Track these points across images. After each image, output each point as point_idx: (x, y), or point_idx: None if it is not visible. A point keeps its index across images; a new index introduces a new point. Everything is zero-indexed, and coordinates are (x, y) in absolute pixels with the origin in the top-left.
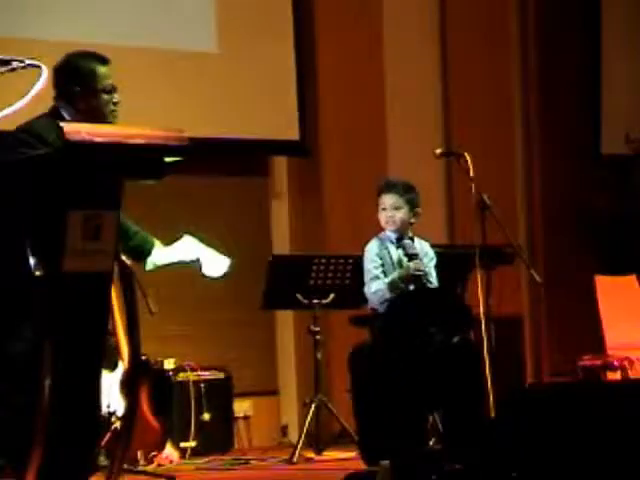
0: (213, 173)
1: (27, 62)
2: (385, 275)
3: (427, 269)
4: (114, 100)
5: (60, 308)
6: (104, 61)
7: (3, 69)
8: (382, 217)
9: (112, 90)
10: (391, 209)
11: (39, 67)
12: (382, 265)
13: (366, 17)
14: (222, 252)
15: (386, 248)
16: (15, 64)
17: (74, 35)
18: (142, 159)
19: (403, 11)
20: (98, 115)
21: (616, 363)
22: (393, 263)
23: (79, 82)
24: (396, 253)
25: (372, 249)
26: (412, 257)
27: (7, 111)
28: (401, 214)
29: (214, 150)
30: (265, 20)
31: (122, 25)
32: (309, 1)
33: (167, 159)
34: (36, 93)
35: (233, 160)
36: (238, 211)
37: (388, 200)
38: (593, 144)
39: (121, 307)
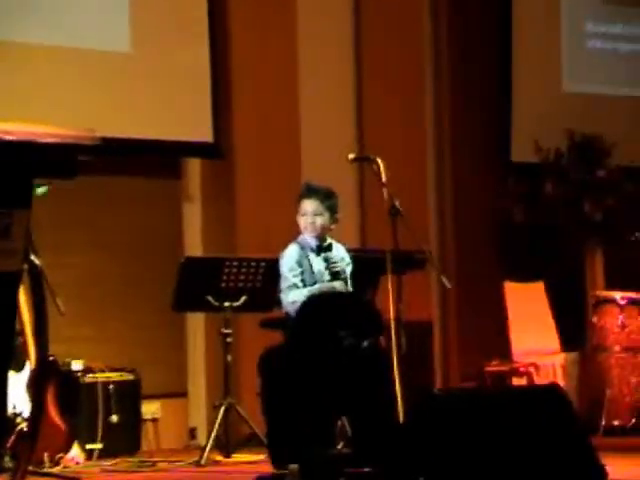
0: (125, 173)
1: None
2: (304, 284)
3: (345, 275)
4: None
5: None
6: None
7: None
8: (302, 222)
9: None
10: (312, 215)
11: None
12: (301, 273)
13: (281, 19)
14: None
15: (307, 257)
16: None
17: None
18: (54, 158)
19: (318, 14)
20: None
21: (522, 369)
22: (313, 272)
23: None
24: (317, 263)
25: (292, 255)
26: (336, 275)
27: None
28: (322, 220)
29: (127, 150)
30: (180, 21)
31: (37, 24)
32: (224, 2)
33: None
34: None
35: (146, 161)
36: (150, 213)
37: (309, 206)
38: (504, 152)
39: (30, 307)
